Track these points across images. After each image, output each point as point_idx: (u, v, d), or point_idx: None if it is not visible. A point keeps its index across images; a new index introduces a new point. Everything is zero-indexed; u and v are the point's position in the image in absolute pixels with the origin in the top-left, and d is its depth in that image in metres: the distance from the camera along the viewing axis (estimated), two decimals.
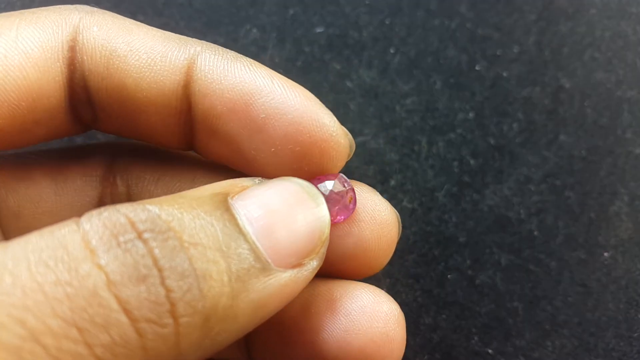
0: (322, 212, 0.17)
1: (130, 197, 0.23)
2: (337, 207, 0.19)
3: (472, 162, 0.31)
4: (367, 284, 0.21)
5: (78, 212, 0.22)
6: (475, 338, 0.29)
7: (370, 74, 0.33)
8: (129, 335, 0.13)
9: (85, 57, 0.19)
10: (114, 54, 0.19)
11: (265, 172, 0.19)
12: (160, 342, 0.13)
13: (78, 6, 0.20)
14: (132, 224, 0.14)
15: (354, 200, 0.20)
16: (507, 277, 0.29)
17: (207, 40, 0.33)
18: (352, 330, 0.20)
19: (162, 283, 0.13)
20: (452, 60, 0.33)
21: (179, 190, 0.22)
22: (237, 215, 0.16)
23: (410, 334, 0.29)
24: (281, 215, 0.16)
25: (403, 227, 0.31)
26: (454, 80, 0.33)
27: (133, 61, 0.19)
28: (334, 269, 0.20)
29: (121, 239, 0.13)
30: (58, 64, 0.19)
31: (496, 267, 0.30)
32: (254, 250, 0.15)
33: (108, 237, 0.13)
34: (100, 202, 0.23)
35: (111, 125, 0.21)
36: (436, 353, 0.29)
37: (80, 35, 0.19)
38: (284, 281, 0.16)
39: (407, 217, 0.31)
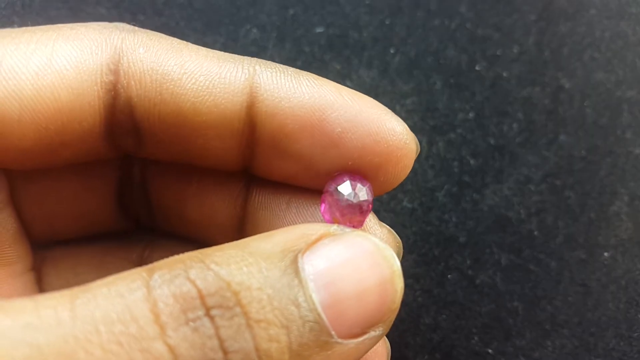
0: (398, 283, 0.16)
1: (144, 182, 0.22)
2: (351, 215, 0.18)
3: (472, 162, 0.31)
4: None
5: (101, 197, 0.22)
6: (476, 338, 0.29)
7: (370, 74, 0.33)
8: None
9: (132, 82, 0.18)
10: (166, 77, 0.18)
11: None
12: None
13: (119, 25, 0.19)
14: (202, 298, 0.13)
15: (369, 209, 0.19)
16: (507, 277, 0.30)
17: (207, 40, 0.33)
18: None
19: None
20: (452, 60, 0.33)
21: (194, 181, 0.21)
22: (305, 281, 0.14)
23: (411, 334, 0.29)
24: (351, 282, 0.15)
25: (403, 227, 0.31)
26: (454, 80, 0.33)
27: (189, 85, 0.18)
28: None
29: (190, 315, 0.13)
30: (95, 87, 0.18)
31: (496, 267, 0.30)
32: (318, 322, 0.14)
33: (178, 313, 0.13)
34: (120, 186, 0.22)
35: (157, 152, 0.19)
36: (436, 353, 0.29)
37: (125, 58, 0.18)
38: (345, 352, 0.15)
39: (407, 217, 0.31)
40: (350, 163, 0.18)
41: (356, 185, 0.18)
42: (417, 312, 0.29)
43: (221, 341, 0.13)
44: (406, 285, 0.30)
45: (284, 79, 0.18)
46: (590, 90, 0.32)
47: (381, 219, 0.30)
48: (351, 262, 0.15)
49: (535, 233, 0.30)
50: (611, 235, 0.30)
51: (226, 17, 0.34)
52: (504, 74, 0.33)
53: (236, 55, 0.19)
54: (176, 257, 0.14)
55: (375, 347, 0.19)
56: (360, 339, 0.15)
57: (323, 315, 0.14)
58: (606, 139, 0.32)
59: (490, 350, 0.29)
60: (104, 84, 0.18)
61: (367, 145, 0.18)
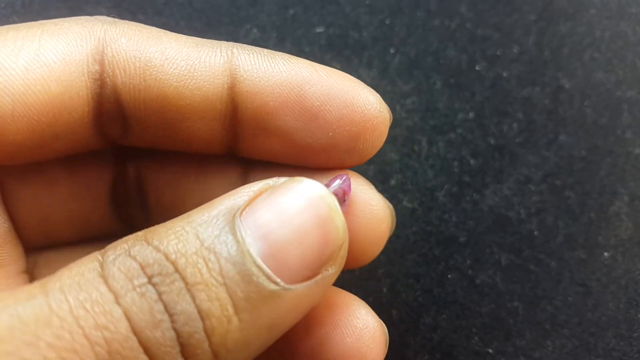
0: (337, 219, 0.16)
1: (139, 181, 0.22)
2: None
3: (472, 162, 0.31)
4: (349, 295, 0.20)
5: (95, 198, 0.22)
6: (476, 338, 0.29)
7: (370, 74, 0.33)
8: None
9: (117, 71, 0.18)
10: (149, 64, 0.19)
11: (321, 158, 0.20)
12: None
13: (99, 17, 0.20)
14: (142, 269, 0.15)
15: (348, 197, 0.20)
16: (507, 277, 0.30)
17: None
18: (324, 342, 0.19)
19: (173, 327, 0.14)
20: (452, 60, 0.33)
21: (191, 174, 0.22)
22: (240, 237, 0.15)
23: (411, 333, 0.29)
24: (288, 228, 0.16)
25: (403, 226, 0.31)
26: (454, 80, 0.33)
27: (171, 70, 0.19)
28: None
29: (135, 282, 0.14)
30: (83, 78, 0.18)
31: (496, 267, 0.30)
32: (261, 274, 0.15)
33: (124, 281, 0.14)
34: (114, 186, 0.22)
35: (144, 138, 0.20)
36: (436, 353, 0.29)
37: (109, 48, 0.19)
38: (298, 297, 0.16)
39: (407, 217, 0.31)
40: (330, 134, 0.19)
41: (335, 180, 0.19)
42: (417, 312, 0.29)
43: (165, 305, 0.14)
44: (406, 285, 0.31)
45: (261, 59, 0.19)
46: (590, 90, 0.32)
47: None
48: (287, 209, 0.16)
49: (535, 233, 0.30)
50: (611, 235, 0.30)
51: (226, 17, 0.34)
52: (504, 74, 0.33)
53: (213, 41, 0.20)
54: (125, 237, 0.16)
55: (372, 333, 0.20)
56: (312, 280, 0.16)
57: (264, 266, 0.15)
58: (606, 139, 0.32)
59: (490, 350, 0.29)
60: (90, 74, 0.18)
61: (345, 116, 0.19)
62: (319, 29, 0.33)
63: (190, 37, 0.20)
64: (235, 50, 0.19)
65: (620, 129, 0.32)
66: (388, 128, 0.20)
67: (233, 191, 0.17)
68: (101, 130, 0.20)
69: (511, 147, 0.31)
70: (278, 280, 0.15)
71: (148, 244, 0.15)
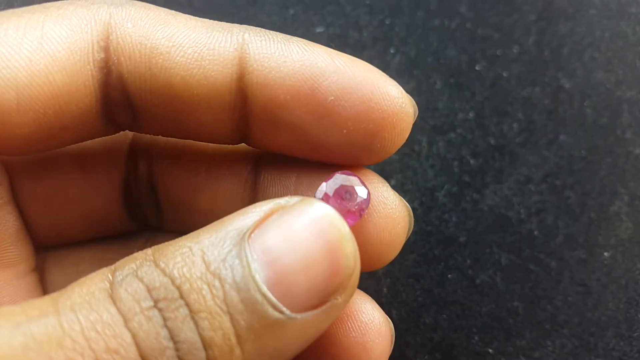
0: (347, 247, 0.15)
1: (150, 179, 0.22)
2: (350, 210, 0.18)
3: (472, 162, 0.31)
4: (357, 290, 0.20)
5: (107, 196, 0.22)
6: (476, 337, 0.29)
7: None
8: None
9: (122, 59, 0.18)
10: (155, 51, 0.17)
11: (335, 154, 0.19)
12: None
13: None
14: (149, 291, 0.14)
15: (367, 205, 0.19)
16: (507, 276, 0.30)
17: None
18: (329, 336, 0.19)
19: (178, 355, 0.14)
20: (452, 60, 0.33)
21: (202, 170, 0.21)
22: (246, 262, 0.15)
23: (411, 333, 0.29)
24: (296, 254, 0.15)
25: None
26: (454, 80, 0.33)
27: (178, 58, 0.17)
28: None
29: (143, 305, 0.14)
30: (89, 67, 0.17)
31: (496, 266, 0.30)
32: (265, 302, 0.14)
33: (132, 303, 0.14)
34: (126, 184, 0.22)
35: (153, 127, 0.19)
36: (436, 352, 0.29)
37: (114, 34, 0.18)
38: (303, 325, 0.15)
39: None
40: (345, 132, 0.18)
41: (354, 191, 0.18)
42: (417, 312, 0.29)
43: (170, 331, 0.14)
44: (406, 285, 0.31)
45: (274, 46, 0.18)
46: (590, 90, 0.32)
47: None
48: (296, 233, 0.15)
49: (535, 233, 0.30)
50: (611, 235, 0.30)
51: (226, 17, 0.33)
52: (504, 74, 0.33)
53: (225, 24, 0.19)
54: (134, 254, 0.15)
55: (378, 328, 0.19)
56: (320, 309, 0.15)
57: (269, 294, 0.14)
58: (606, 139, 0.32)
59: (490, 350, 0.29)
60: (96, 62, 0.18)
61: (361, 112, 0.18)
62: (319, 29, 0.33)
63: (201, 19, 0.19)
64: (247, 35, 0.18)
65: (620, 129, 0.32)
66: (411, 125, 0.19)
67: (243, 210, 0.16)
68: (110, 118, 0.19)
69: (511, 147, 0.31)
70: (283, 308, 0.15)
71: (155, 265, 0.15)
